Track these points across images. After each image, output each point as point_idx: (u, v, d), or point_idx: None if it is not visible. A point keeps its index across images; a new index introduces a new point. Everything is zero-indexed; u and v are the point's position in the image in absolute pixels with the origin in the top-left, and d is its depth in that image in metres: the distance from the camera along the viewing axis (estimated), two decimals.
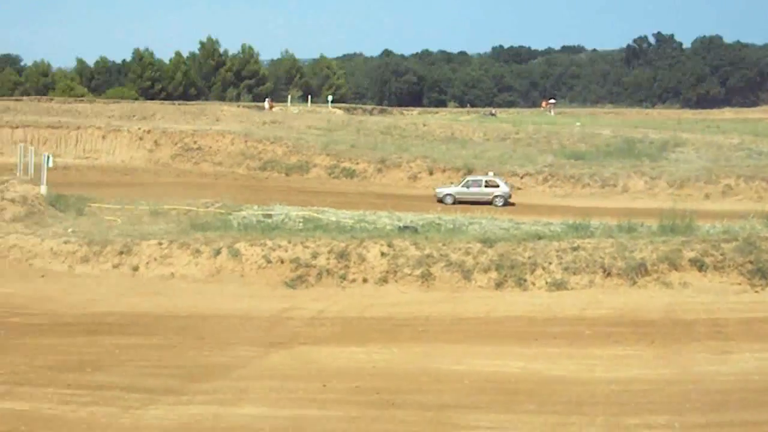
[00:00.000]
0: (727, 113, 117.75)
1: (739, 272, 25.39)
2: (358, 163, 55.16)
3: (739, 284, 25.17)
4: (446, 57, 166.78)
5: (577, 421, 16.01)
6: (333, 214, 34.09)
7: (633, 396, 17.33)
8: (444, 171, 52.73)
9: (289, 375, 18.64)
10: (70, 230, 30.26)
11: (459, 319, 23.13)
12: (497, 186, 47.01)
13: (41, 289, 26.10)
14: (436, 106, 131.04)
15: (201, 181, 52.41)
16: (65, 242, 28.75)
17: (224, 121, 71.46)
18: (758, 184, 48.05)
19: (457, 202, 45.62)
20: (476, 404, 16.94)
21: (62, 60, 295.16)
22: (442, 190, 47.26)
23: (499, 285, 25.27)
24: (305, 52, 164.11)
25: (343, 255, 26.39)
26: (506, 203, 46.27)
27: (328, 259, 26.44)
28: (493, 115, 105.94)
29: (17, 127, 64.58)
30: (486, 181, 47.17)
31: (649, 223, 30.12)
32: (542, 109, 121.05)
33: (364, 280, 25.92)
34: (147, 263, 27.45)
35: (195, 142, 61.34)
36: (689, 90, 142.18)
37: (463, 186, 47.19)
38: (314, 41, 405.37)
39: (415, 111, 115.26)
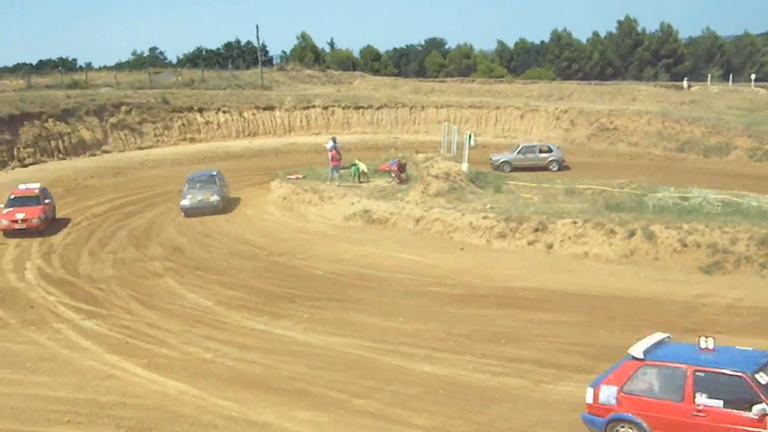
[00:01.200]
0: None
1: None
2: None
3: None
4: None
5: None
6: (755, 198, 32.22)
7: None
8: None
9: None
10: (488, 206, 31.47)
11: None
12: (550, 151, 48.94)
13: (460, 261, 27.52)
14: None
15: (616, 161, 52.01)
16: (484, 218, 30.00)
17: (640, 101, 70.10)
18: None
19: (515, 169, 46.05)
20: None
21: (484, 42, 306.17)
22: (499, 158, 48.04)
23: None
24: (727, 29, 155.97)
25: (764, 242, 24.89)
26: (561, 167, 47.88)
27: (747, 245, 25.11)
28: None
29: (442, 107, 68.26)
30: (539, 147, 49.26)
31: None
32: None
33: None
34: (561, 241, 27.85)
35: (611, 122, 60.92)
36: None
37: (518, 153, 48.44)
38: (737, 17, 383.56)
39: None
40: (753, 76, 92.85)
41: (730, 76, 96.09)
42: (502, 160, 47.88)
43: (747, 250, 25.01)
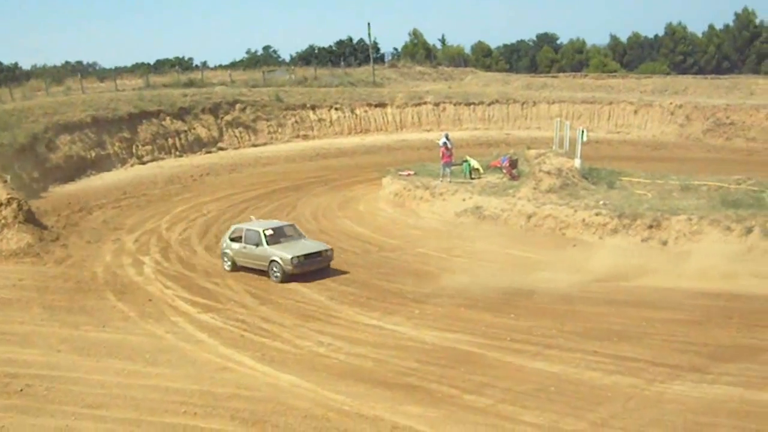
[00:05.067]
0: None
1: None
2: None
3: None
4: None
5: None
6: None
7: None
8: None
9: None
10: (601, 202, 31.11)
11: None
12: None
13: (572, 258, 27.30)
14: None
15: (732, 157, 50.73)
16: (596, 214, 29.69)
17: (758, 95, 68.15)
18: None
19: None
20: None
21: (596, 37, 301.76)
22: None
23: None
24: None
25: None
26: None
27: None
28: None
29: (554, 103, 67.76)
30: None
31: None
32: None
33: None
34: (676, 238, 27.37)
35: (727, 117, 59.48)
36: None
37: None
38: None
39: None
40: None
41: None
42: None
43: None
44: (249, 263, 27.43)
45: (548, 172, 34.48)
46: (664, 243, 27.44)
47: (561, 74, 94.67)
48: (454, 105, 68.78)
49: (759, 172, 37.56)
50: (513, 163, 38.37)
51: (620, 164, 42.29)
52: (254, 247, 27.14)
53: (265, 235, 27.18)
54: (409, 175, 40.21)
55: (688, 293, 23.02)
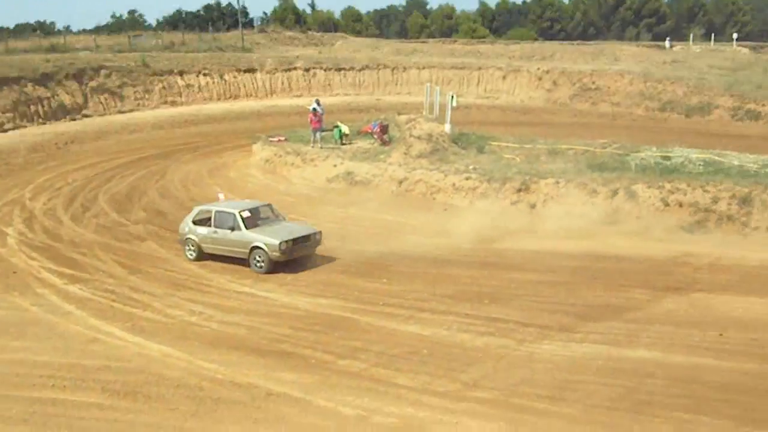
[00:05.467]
0: None
1: None
2: (764, 105, 51.77)
3: None
4: None
5: None
6: (736, 158, 32.34)
7: None
8: None
9: (684, 321, 18.26)
10: (471, 167, 31.46)
11: None
12: None
13: (443, 222, 27.53)
14: None
15: (598, 122, 52.07)
16: (466, 178, 30.02)
17: (623, 61, 70.13)
18: None
19: None
20: None
21: (466, 3, 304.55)
22: None
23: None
24: None
25: (745, 201, 25.08)
26: None
27: (729, 204, 25.27)
28: None
29: (424, 68, 68.12)
30: None
31: None
32: None
33: None
34: (544, 201, 27.92)
35: (593, 83, 60.98)
36: None
37: None
38: None
39: None
40: (735, 36, 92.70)
41: (712, 35, 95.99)
42: None
43: (728, 209, 25.18)
44: (221, 250, 23.95)
45: (419, 138, 34.65)
46: (533, 206, 27.95)
47: (431, 40, 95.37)
48: (325, 70, 68.40)
49: (623, 136, 38.62)
50: (384, 129, 38.39)
51: (489, 129, 42.73)
52: (228, 231, 23.66)
53: (242, 217, 23.78)
54: (280, 141, 39.79)
55: (556, 255, 23.51)
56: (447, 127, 36.45)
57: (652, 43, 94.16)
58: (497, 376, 15.61)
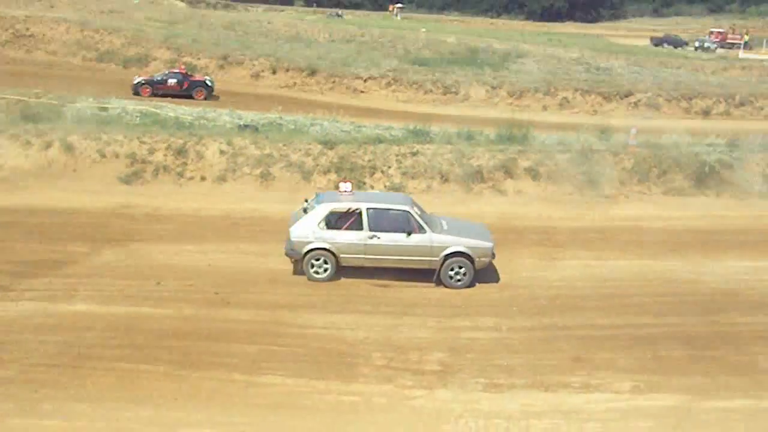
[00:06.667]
0: (570, 27, 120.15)
1: (571, 183, 26.31)
2: (199, 59, 53.72)
3: (571, 194, 26.07)
4: None
5: (409, 322, 16.50)
6: (172, 109, 33.25)
7: (463, 299, 17.93)
8: (287, 71, 52.01)
9: (123, 272, 18.42)
10: None
11: None
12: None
13: None
14: (282, 3, 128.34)
15: (33, 70, 50.00)
16: None
17: (59, 8, 68.18)
18: (594, 98, 49.48)
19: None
20: (311, 304, 17.21)
21: None
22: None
23: (338, 187, 25.52)
24: None
25: (181, 152, 25.86)
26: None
27: (165, 155, 25.84)
28: (339, 16, 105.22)
29: None
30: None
31: (488, 131, 30.61)
32: (389, 12, 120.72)
33: (202, 178, 25.48)
34: None
35: (27, 29, 58.25)
36: (534, 2, 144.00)
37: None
38: None
39: (261, 7, 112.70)
40: None
41: None
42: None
43: (165, 159, 25.74)
44: (385, 262, 18.21)
45: None
46: None
47: None
48: None
49: (58, 87, 37.59)
50: None
51: None
52: (404, 236, 18.01)
53: (418, 215, 18.28)
54: None
55: None
56: None
57: None
58: None
